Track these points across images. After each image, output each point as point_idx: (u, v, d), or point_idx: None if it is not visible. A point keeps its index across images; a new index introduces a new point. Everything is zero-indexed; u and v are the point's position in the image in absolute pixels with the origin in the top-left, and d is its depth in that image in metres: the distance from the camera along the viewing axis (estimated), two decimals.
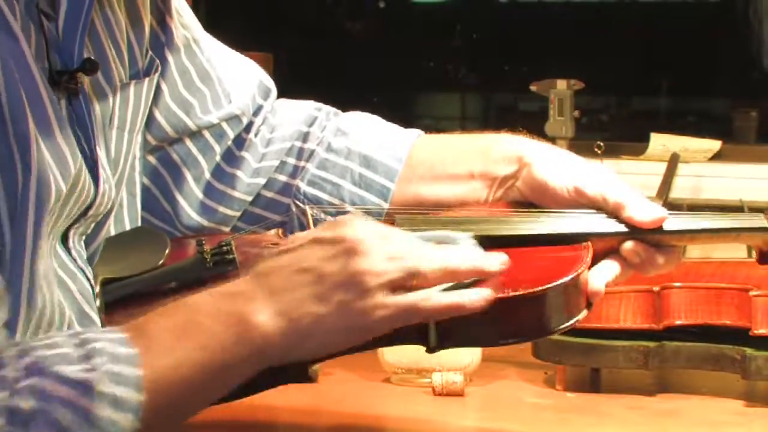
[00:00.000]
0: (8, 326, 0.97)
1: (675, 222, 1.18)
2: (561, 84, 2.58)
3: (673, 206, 1.98)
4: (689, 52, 3.35)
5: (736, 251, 1.71)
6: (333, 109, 1.40)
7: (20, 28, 1.00)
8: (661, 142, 2.72)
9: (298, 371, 1.03)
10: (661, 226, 1.17)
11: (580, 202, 1.20)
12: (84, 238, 1.10)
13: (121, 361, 0.92)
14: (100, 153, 1.09)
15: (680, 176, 2.23)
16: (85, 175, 1.06)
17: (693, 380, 1.56)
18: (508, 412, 1.48)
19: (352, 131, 1.36)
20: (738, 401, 1.48)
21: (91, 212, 1.08)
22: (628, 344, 1.49)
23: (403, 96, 3.67)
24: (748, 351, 1.44)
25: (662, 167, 2.21)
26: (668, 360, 1.49)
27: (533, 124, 2.81)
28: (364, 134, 1.35)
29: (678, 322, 1.48)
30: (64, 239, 1.07)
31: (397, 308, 0.99)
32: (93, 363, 0.91)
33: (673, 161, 2.20)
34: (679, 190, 2.26)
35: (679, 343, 1.49)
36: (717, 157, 2.76)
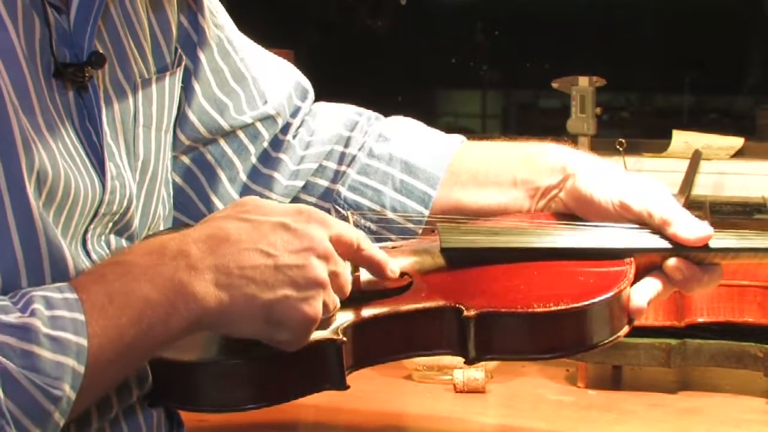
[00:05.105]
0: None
1: (720, 240, 1.15)
2: (582, 81, 2.57)
3: (695, 203, 1.98)
4: (712, 49, 3.34)
5: None
6: (374, 114, 1.40)
7: (18, 20, 0.98)
8: (683, 140, 2.71)
9: (337, 379, 1.03)
10: (706, 244, 1.14)
11: (624, 216, 1.18)
12: (104, 239, 1.08)
13: (61, 307, 0.91)
14: (115, 150, 1.08)
15: (702, 173, 2.22)
16: (87, 170, 1.04)
17: (715, 378, 1.56)
18: (529, 409, 1.48)
19: (394, 137, 1.35)
20: (761, 399, 1.48)
21: (102, 210, 1.06)
22: (650, 342, 1.49)
23: (424, 93, 3.66)
24: None
25: (684, 164, 2.19)
26: (690, 357, 1.49)
27: (554, 121, 2.81)
28: (407, 140, 1.35)
29: (700, 320, 1.48)
30: (84, 242, 1.05)
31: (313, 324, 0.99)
32: (32, 309, 0.90)
33: (696, 158, 2.18)
34: (701, 188, 2.24)
35: (702, 340, 1.49)
36: (739, 154, 2.75)
